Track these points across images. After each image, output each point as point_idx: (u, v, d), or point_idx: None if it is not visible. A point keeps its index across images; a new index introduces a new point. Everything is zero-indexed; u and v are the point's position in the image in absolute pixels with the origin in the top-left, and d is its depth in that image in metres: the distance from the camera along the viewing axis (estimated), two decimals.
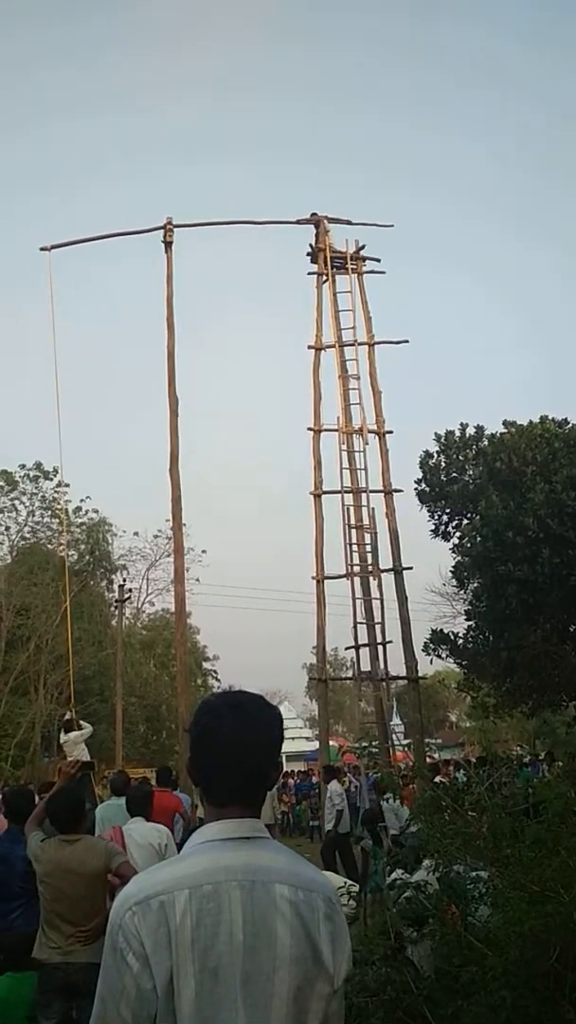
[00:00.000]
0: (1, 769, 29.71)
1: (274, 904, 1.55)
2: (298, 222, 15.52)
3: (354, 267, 15.13)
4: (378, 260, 15.46)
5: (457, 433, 18.98)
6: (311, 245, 15.21)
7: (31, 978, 4.31)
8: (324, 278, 15.02)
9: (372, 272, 15.39)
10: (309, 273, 15.19)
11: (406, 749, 13.00)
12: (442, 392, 77.94)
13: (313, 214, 15.46)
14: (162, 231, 14.64)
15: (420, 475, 18.91)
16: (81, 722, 12.84)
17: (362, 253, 15.26)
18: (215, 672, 44.04)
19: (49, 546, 37.62)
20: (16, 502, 36.33)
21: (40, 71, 78.20)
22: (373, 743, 10.75)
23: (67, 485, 36.66)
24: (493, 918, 3.45)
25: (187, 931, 1.50)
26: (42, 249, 14.11)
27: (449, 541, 18.91)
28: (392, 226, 15.79)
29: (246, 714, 1.69)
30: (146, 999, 1.48)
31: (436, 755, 27.42)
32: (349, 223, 15.44)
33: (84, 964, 4.14)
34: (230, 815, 1.63)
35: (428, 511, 18.96)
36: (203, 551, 38.63)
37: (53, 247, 14.23)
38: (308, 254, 15.30)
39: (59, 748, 33.63)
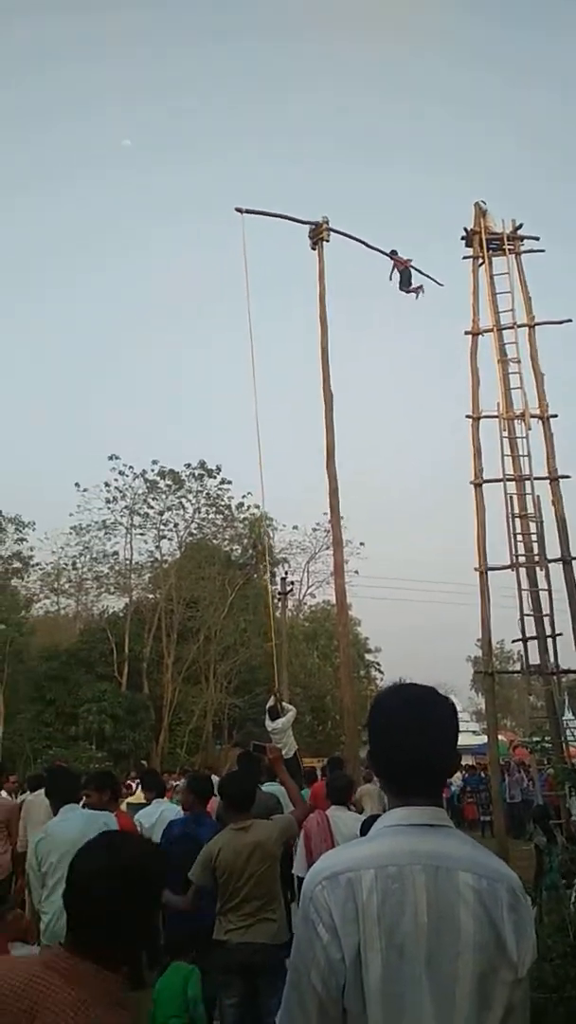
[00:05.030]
0: (177, 755, 31.08)
1: (457, 890, 1.58)
2: (395, 262, 16.14)
3: (511, 247, 14.63)
4: (537, 239, 14.89)
5: None
6: (466, 229, 14.86)
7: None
8: (480, 261, 14.64)
9: (531, 251, 14.83)
10: (464, 257, 14.85)
11: None
12: None
13: (393, 251, 16.22)
14: (314, 227, 14.87)
15: None
16: (284, 704, 12.52)
17: (520, 232, 14.74)
18: (378, 664, 44.14)
19: (214, 541, 39.05)
20: (183, 500, 37.89)
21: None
22: (546, 738, 10.39)
23: (229, 482, 37.95)
24: None
25: (373, 908, 1.55)
26: (237, 210, 14.37)
27: None
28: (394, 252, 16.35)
29: (422, 706, 1.74)
30: (335, 969, 1.55)
31: None
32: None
33: (262, 945, 4.32)
34: (413, 803, 1.68)
35: None
36: (361, 543, 38.85)
37: (246, 211, 14.49)
38: (463, 238, 14.96)
39: (230, 735, 34.85)
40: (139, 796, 10.82)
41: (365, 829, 4.56)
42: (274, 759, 5.24)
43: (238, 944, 4.35)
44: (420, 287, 16.31)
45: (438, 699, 1.77)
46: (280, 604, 35.32)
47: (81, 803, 5.03)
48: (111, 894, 1.74)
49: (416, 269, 16.38)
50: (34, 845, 4.64)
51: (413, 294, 16.32)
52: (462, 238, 14.95)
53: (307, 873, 1.69)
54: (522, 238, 14.78)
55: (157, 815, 6.47)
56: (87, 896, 1.75)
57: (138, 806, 8.71)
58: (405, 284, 16.17)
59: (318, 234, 15.06)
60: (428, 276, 16.59)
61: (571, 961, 3.38)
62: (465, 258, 14.83)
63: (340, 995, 1.56)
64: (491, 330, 14.27)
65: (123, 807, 7.58)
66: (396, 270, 16.20)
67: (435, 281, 16.67)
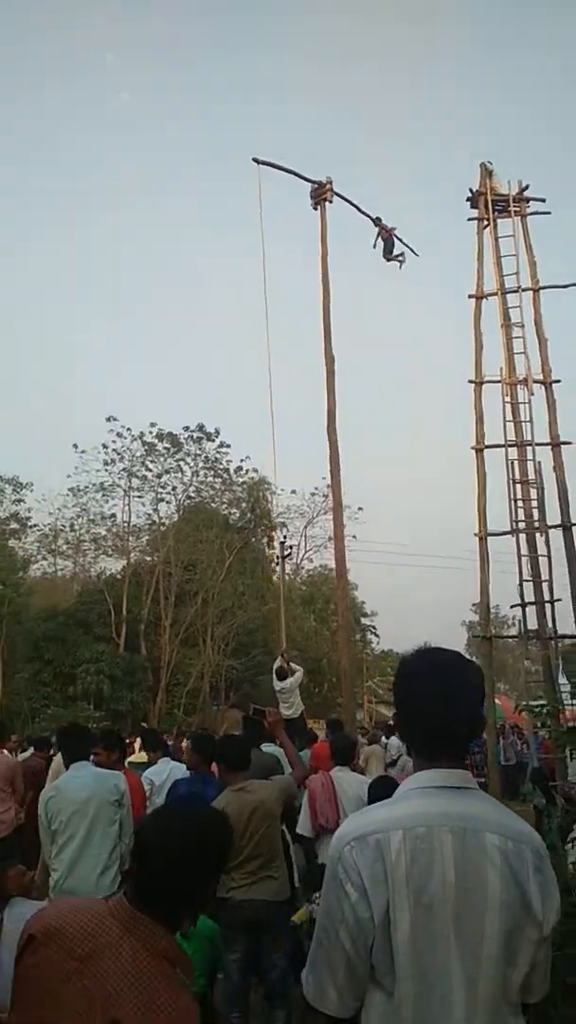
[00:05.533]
0: (174, 716, 31.41)
1: (484, 851, 1.61)
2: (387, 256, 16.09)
3: (517, 209, 14.41)
4: (543, 200, 14.66)
5: None
6: (471, 190, 14.62)
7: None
8: (485, 223, 14.43)
9: (536, 213, 14.61)
10: (469, 219, 14.64)
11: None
12: None
13: (378, 218, 15.88)
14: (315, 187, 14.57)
15: None
16: (292, 664, 12.52)
17: (526, 194, 14.51)
18: (374, 628, 44.45)
19: (212, 504, 39.06)
20: (181, 463, 37.78)
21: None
22: (545, 702, 10.52)
23: (228, 446, 37.83)
24: None
25: (402, 868, 1.58)
26: (254, 160, 13.98)
27: None
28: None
29: (446, 672, 1.75)
30: (364, 927, 1.59)
31: None
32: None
33: (264, 902, 4.41)
34: (440, 766, 1.70)
35: None
36: (359, 508, 38.90)
37: (263, 162, 14.06)
38: (468, 199, 14.72)
39: (227, 697, 35.09)
40: (140, 756, 10.95)
41: (372, 791, 4.63)
42: (273, 723, 5.30)
43: (241, 901, 4.45)
44: (402, 255, 16.40)
45: (463, 663, 1.78)
46: (278, 568, 35.43)
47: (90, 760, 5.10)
48: (177, 858, 1.78)
49: (398, 238, 16.38)
50: (45, 802, 4.71)
51: (396, 262, 16.39)
52: (467, 199, 14.73)
53: (334, 836, 1.71)
54: (528, 200, 14.55)
55: (166, 773, 6.60)
56: (154, 856, 1.79)
57: (140, 765, 8.81)
58: (388, 252, 16.22)
59: (321, 194, 14.79)
60: (407, 245, 16.58)
61: (573, 920, 3.45)
62: (470, 219, 14.63)
63: (368, 953, 1.59)
64: (495, 294, 14.13)
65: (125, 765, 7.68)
66: (380, 238, 16.16)
67: (412, 251, 16.63)
